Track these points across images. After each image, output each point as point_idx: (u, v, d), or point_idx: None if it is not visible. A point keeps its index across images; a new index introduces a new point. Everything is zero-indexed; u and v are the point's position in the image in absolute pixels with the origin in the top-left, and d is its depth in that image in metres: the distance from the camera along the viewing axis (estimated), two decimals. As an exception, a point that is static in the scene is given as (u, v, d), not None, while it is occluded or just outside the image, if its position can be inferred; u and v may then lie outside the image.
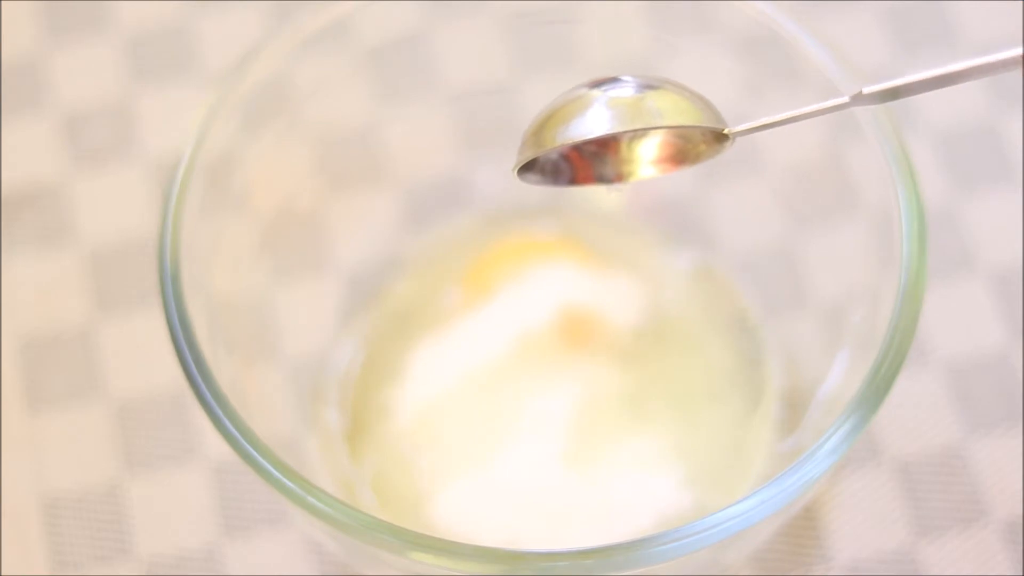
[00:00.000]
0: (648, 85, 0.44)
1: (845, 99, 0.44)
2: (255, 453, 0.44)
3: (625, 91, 0.44)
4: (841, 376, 0.52)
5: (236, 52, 0.64)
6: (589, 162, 0.46)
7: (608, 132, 0.43)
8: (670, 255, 0.58)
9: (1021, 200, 0.61)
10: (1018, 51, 0.42)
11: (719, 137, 0.45)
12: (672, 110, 0.43)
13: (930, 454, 0.56)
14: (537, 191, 0.59)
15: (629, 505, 0.51)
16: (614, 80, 0.44)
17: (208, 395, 0.45)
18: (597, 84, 0.44)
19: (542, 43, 0.58)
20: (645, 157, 0.46)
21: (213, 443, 0.57)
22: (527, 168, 0.45)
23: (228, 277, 0.52)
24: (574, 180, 0.46)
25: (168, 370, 0.58)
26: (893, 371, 0.44)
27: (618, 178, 0.46)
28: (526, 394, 0.52)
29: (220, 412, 0.45)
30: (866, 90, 0.43)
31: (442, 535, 0.50)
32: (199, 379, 0.45)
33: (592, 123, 0.43)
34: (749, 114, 0.56)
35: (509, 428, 0.52)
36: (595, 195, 0.60)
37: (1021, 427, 0.57)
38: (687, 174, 0.60)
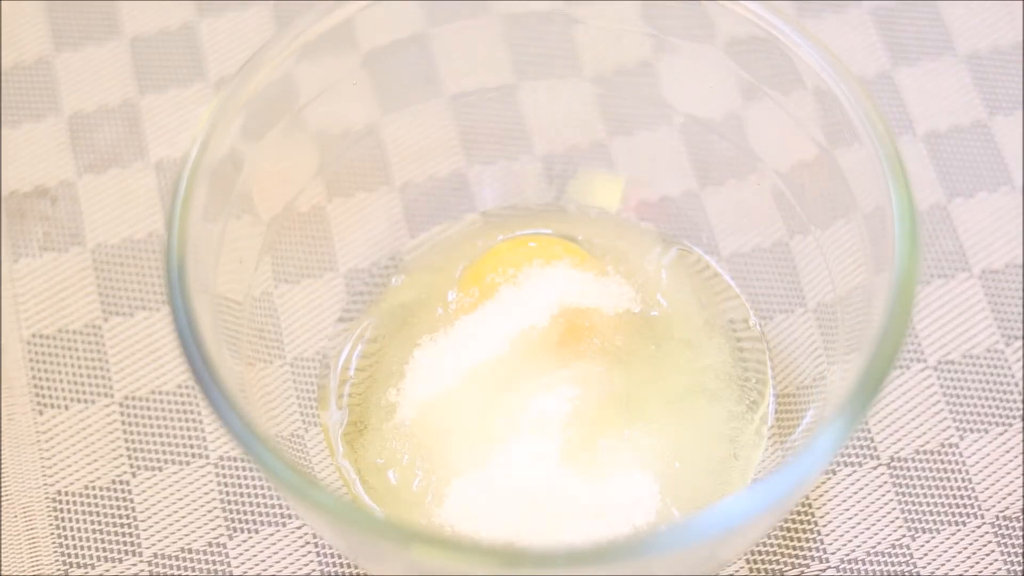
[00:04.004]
0: None
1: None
2: (262, 450, 0.44)
3: None
4: (837, 375, 0.52)
5: (239, 55, 0.65)
6: None
7: None
8: (667, 255, 0.58)
9: (1017, 200, 0.61)
10: None
11: None
12: None
13: (925, 452, 0.57)
14: (534, 190, 0.60)
15: (627, 502, 0.52)
16: None
17: (216, 393, 0.45)
18: None
19: (541, 43, 0.59)
20: None
21: (218, 442, 0.57)
22: None
23: (232, 278, 0.53)
24: None
25: (173, 369, 0.59)
26: (883, 370, 0.45)
27: None
28: (525, 394, 0.53)
29: (228, 409, 0.45)
30: None
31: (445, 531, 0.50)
32: (207, 377, 0.46)
33: None
34: (743, 113, 0.57)
35: (508, 427, 0.52)
36: (593, 196, 0.60)
37: (1015, 426, 0.57)
38: (685, 175, 0.61)
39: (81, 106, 0.64)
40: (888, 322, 0.45)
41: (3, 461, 0.57)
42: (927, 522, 0.56)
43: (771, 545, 0.56)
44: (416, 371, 0.54)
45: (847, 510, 0.56)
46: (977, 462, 0.57)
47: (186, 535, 0.56)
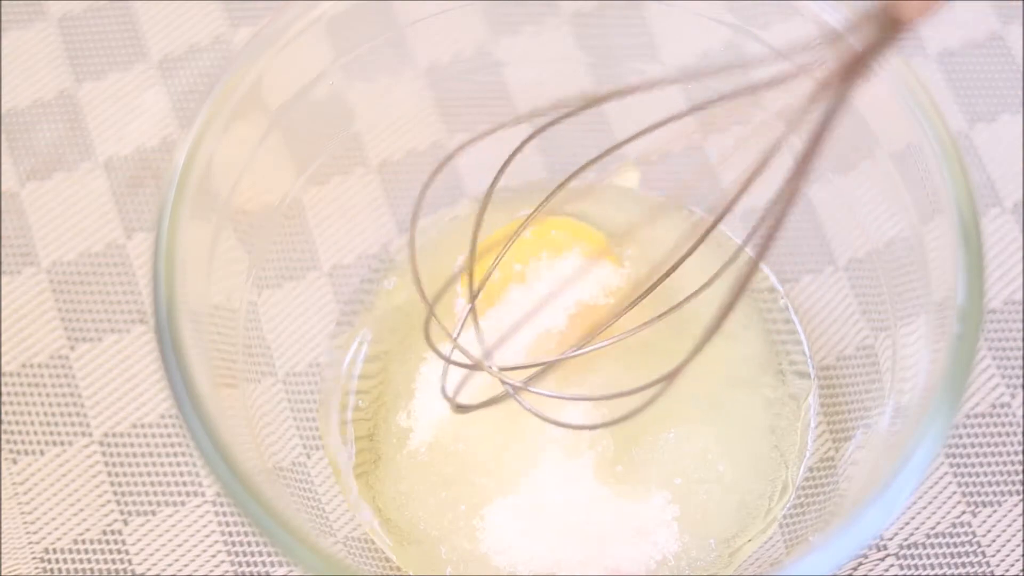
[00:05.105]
0: None
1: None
2: (253, 506, 0.40)
3: None
4: (888, 344, 0.48)
5: (180, 28, 0.58)
6: None
7: None
8: (681, 225, 0.53)
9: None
10: None
11: None
12: None
13: (978, 414, 0.53)
14: (527, 170, 0.54)
15: (671, 517, 0.47)
16: None
17: (208, 447, 0.41)
18: None
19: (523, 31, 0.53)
20: None
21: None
22: None
23: (222, 299, 0.47)
24: None
25: (153, 398, 0.54)
26: (971, 346, 0.40)
27: None
28: (546, 405, 0.48)
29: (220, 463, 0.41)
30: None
31: (478, 568, 0.46)
32: (199, 430, 0.41)
33: None
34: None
35: (533, 445, 0.47)
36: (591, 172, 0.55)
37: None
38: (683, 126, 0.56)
39: (13, 102, 0.58)
40: (967, 290, 0.41)
41: (-20, 519, 0.52)
42: (985, 494, 0.52)
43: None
44: (425, 390, 0.49)
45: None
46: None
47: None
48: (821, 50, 0.37)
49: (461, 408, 0.46)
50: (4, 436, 0.53)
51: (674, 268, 0.44)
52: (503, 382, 0.45)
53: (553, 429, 0.47)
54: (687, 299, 0.46)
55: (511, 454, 0.48)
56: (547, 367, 0.45)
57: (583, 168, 0.45)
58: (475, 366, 0.45)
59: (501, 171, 0.45)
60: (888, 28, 0.35)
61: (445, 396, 0.46)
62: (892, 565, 0.51)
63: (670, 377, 0.41)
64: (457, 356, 0.47)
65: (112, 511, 0.52)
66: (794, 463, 0.50)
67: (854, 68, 0.36)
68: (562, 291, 0.48)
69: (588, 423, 0.47)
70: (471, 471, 0.48)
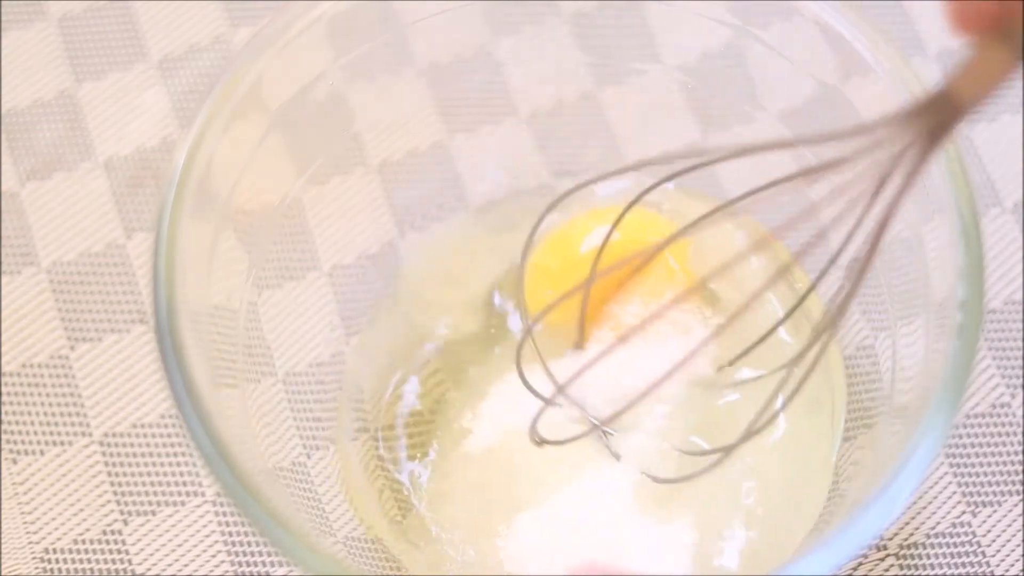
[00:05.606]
0: None
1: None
2: (256, 509, 0.40)
3: None
4: (887, 344, 0.48)
5: (180, 28, 0.58)
6: None
7: None
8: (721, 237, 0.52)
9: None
10: None
11: None
12: None
13: (978, 414, 0.53)
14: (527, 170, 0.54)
15: (706, 542, 0.47)
16: None
17: (211, 452, 0.41)
18: None
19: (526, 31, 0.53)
20: None
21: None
22: None
23: (222, 299, 0.47)
24: None
25: (153, 398, 0.54)
26: (971, 346, 0.40)
27: None
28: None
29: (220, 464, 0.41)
30: None
31: (510, 569, 0.46)
32: (199, 430, 0.41)
33: None
34: (736, 56, 0.52)
35: (581, 460, 0.47)
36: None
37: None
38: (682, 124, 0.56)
39: (13, 102, 0.58)
40: (967, 290, 0.41)
41: (-20, 520, 0.52)
42: (985, 494, 0.52)
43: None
44: (498, 398, 0.49)
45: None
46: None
47: (187, 576, 0.51)
48: (885, 131, 0.37)
49: (544, 442, 0.46)
50: (4, 436, 0.53)
51: (743, 310, 0.44)
52: (595, 426, 0.47)
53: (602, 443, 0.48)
54: (758, 342, 0.47)
55: (560, 469, 0.48)
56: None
57: (708, 215, 0.45)
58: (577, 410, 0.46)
59: (540, 220, 0.46)
60: (949, 113, 0.35)
61: (532, 437, 0.46)
62: (892, 565, 0.51)
63: (745, 438, 0.42)
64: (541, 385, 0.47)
65: (112, 511, 0.52)
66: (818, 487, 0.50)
67: (920, 151, 0.36)
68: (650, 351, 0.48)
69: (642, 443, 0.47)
70: (518, 480, 0.48)
